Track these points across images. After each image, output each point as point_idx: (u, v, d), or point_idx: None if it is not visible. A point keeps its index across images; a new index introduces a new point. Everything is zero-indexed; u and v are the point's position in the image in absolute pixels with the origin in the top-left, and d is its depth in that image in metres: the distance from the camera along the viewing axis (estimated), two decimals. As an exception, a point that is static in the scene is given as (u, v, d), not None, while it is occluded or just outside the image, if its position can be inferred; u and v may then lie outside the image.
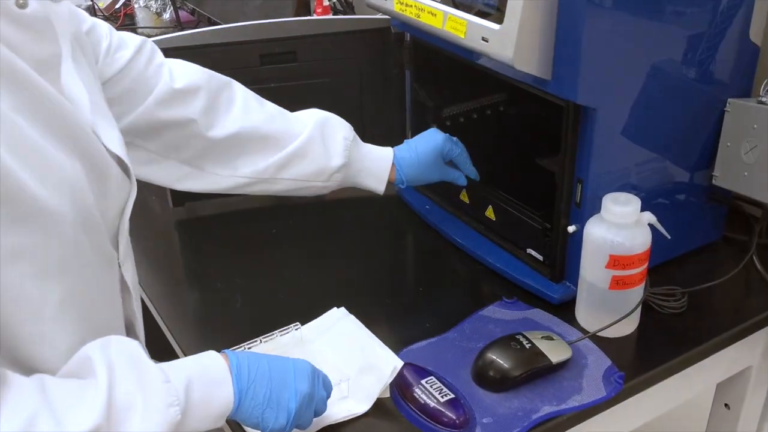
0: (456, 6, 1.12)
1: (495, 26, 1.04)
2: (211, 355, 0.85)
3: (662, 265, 1.25)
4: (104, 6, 2.44)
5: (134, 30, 2.35)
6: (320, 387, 0.90)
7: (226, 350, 0.87)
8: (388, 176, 1.25)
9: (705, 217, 1.31)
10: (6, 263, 0.67)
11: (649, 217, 1.12)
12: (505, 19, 1.02)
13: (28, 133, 0.69)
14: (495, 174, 1.36)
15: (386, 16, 1.33)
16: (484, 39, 1.07)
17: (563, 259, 1.22)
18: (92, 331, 0.77)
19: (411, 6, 1.20)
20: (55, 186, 0.71)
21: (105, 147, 0.81)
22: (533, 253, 1.26)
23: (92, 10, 2.41)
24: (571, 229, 1.18)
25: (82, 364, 0.74)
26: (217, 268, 1.34)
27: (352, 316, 1.14)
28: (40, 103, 0.71)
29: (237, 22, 1.43)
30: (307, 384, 0.87)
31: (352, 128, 1.25)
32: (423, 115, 1.46)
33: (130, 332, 0.92)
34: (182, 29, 2.31)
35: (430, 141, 1.29)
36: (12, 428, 0.64)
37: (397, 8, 1.23)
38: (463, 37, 1.11)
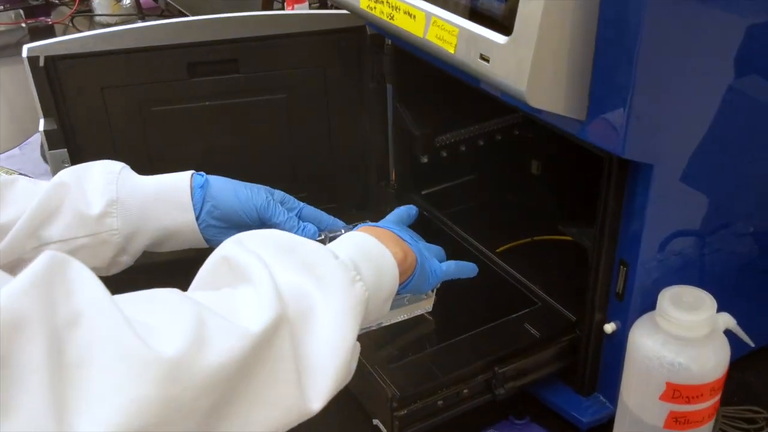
0: (445, 4, 0.75)
1: (500, 39, 0.67)
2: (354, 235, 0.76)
3: (732, 364, 0.88)
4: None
5: (90, 18, 2.01)
6: None
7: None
8: (191, 201, 0.87)
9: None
10: None
11: (726, 321, 0.76)
12: (516, 28, 0.65)
13: None
14: (499, 233, 1.04)
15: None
16: (483, 58, 0.70)
17: (596, 366, 0.86)
18: None
19: (382, 3, 0.82)
20: None
21: None
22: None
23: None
24: (609, 328, 0.83)
25: (217, 270, 0.65)
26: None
27: None
28: None
29: (203, 13, 1.10)
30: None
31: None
32: (410, 145, 1.09)
33: None
34: (143, 18, 1.98)
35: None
36: (182, 326, 0.53)
37: (363, 5, 0.86)
38: (452, 51, 0.74)
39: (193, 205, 0.86)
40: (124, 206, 0.83)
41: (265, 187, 0.92)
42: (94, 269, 0.87)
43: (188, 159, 1.09)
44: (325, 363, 0.62)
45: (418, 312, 0.89)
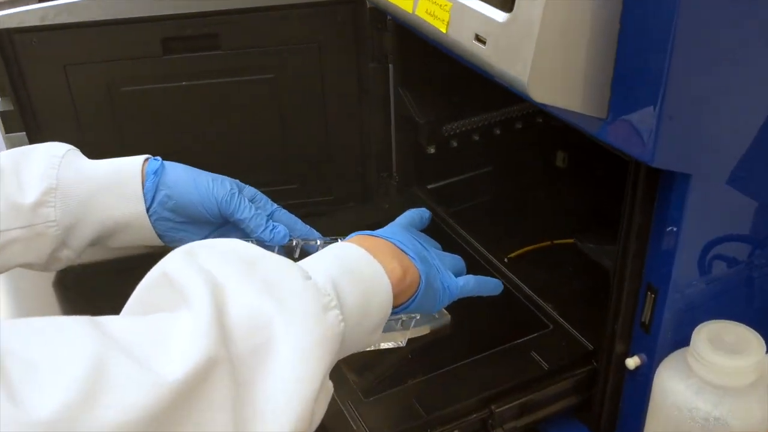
0: (441, -28, 0.61)
1: (499, 15, 0.54)
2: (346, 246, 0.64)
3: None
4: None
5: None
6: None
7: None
8: (141, 190, 0.75)
9: None
10: None
11: (775, 363, 0.62)
12: (517, 2, 0.52)
13: None
14: (512, 236, 0.92)
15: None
16: (479, 39, 0.56)
17: (615, 405, 0.73)
18: None
19: (368, -30, 0.69)
20: None
21: None
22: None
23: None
24: (631, 363, 0.70)
25: (156, 288, 0.52)
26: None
27: None
28: None
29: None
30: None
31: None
32: (414, 134, 0.96)
33: None
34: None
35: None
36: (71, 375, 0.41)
37: (349, -27, 0.72)
38: (444, 31, 0.60)
39: (144, 194, 0.74)
40: (64, 195, 0.72)
41: (235, 180, 0.80)
42: (31, 265, 0.76)
43: (164, 147, 0.98)
44: (278, 411, 0.49)
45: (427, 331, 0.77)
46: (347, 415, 0.67)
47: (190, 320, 0.48)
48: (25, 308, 1.00)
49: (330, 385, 0.54)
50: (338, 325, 0.54)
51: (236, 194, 0.77)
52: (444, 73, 0.92)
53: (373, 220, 0.94)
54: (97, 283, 1.03)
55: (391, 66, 0.95)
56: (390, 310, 0.62)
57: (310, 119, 1.00)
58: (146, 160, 0.77)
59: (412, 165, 1.01)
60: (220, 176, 0.79)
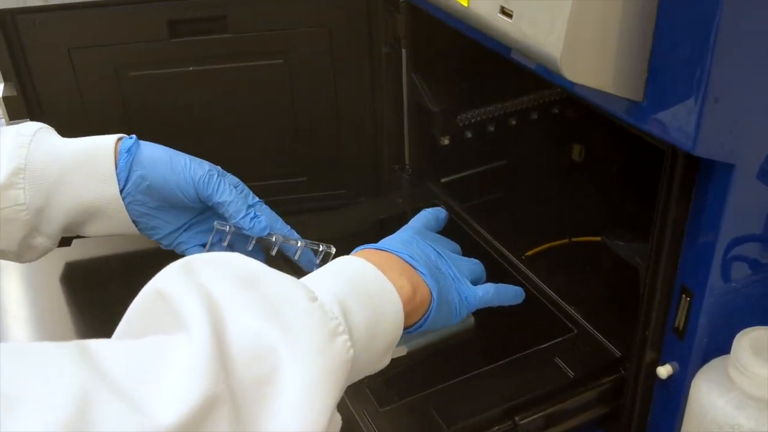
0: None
1: (527, -13, 0.49)
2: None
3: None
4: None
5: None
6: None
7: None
8: (114, 169, 0.71)
9: None
10: None
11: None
12: (548, -29, 0.46)
13: None
14: (529, 232, 0.87)
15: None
16: (504, 12, 0.51)
17: (644, 417, 0.68)
18: None
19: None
20: None
21: None
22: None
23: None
24: (663, 372, 0.64)
25: (150, 307, 0.47)
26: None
27: None
28: None
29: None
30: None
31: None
32: (428, 123, 0.91)
33: None
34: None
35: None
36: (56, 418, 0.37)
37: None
38: (465, 4, 0.55)
39: (117, 174, 0.70)
40: (33, 176, 0.68)
41: (217, 166, 0.75)
42: (3, 253, 0.71)
43: (171, 134, 0.94)
44: None
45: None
46: (362, 426, 0.62)
47: (187, 350, 0.43)
48: (32, 303, 0.98)
49: (338, 417, 0.50)
50: (347, 352, 0.49)
51: (215, 175, 0.73)
52: (459, 58, 0.88)
53: (385, 215, 0.90)
54: (104, 277, 0.99)
55: (404, 51, 0.90)
56: (401, 331, 0.57)
57: (319, 107, 0.96)
58: (120, 139, 0.72)
59: (426, 157, 0.96)
60: (199, 159, 0.74)
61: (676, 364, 0.63)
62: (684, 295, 0.60)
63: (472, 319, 0.72)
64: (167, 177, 0.71)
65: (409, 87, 0.90)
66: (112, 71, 0.90)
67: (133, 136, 0.73)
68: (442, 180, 0.96)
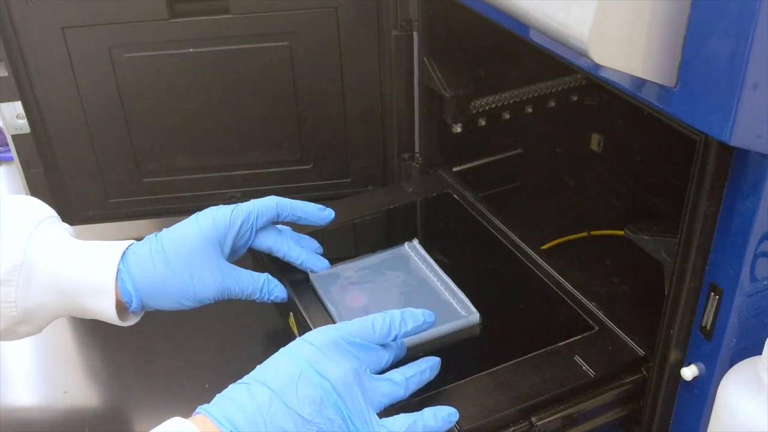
0: None
1: (551, -38, 0.45)
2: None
3: None
4: None
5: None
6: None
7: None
8: (114, 287, 0.66)
9: None
10: None
11: None
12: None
13: None
14: (546, 225, 0.85)
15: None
16: (526, -9, 0.48)
17: (666, 420, 0.64)
18: None
19: None
20: None
21: None
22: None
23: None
24: (688, 373, 0.61)
25: None
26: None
27: None
28: None
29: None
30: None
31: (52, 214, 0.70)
32: (440, 110, 0.88)
33: None
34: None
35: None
36: None
37: None
38: (483, -17, 0.51)
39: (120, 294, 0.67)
40: (28, 274, 0.64)
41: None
42: None
43: (169, 120, 0.91)
44: None
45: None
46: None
47: None
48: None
49: None
50: None
51: (228, 282, 0.69)
52: (474, 42, 0.85)
53: (392, 205, 0.87)
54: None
55: (415, 34, 0.86)
56: None
57: (325, 92, 0.93)
58: (124, 252, 0.67)
59: (437, 145, 0.93)
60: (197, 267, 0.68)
61: (702, 365, 0.60)
62: (713, 293, 0.57)
63: (476, 315, 0.69)
64: (177, 303, 0.69)
65: (421, 71, 0.87)
66: (108, 52, 0.88)
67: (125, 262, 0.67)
68: (455, 169, 0.93)
